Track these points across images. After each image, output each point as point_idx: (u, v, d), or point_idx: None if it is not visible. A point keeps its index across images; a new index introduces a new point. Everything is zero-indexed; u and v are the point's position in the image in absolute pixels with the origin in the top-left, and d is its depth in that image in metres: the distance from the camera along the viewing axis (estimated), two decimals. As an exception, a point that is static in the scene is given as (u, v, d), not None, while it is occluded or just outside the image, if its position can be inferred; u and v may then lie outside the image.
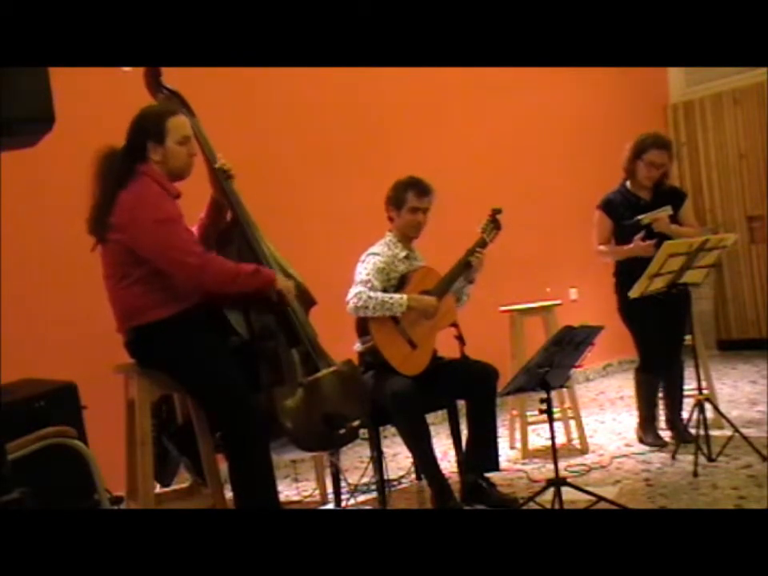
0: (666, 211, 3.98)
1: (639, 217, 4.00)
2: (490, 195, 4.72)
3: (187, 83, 3.26)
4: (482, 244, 3.81)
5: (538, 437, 4.54)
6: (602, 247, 4.20)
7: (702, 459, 3.65)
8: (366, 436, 3.58)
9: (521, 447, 4.34)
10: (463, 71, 5.32)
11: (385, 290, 3.58)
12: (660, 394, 4.33)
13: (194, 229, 3.20)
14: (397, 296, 3.50)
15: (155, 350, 2.96)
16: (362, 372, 3.56)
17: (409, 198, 3.68)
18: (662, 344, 4.16)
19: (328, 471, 3.82)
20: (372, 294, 3.47)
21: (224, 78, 4.28)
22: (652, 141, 4.10)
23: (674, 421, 4.22)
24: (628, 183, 4.22)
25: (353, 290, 3.51)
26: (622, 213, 4.11)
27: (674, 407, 4.25)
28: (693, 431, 3.84)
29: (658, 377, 4.23)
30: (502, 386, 3.32)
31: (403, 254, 3.73)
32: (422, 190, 3.68)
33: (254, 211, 3.22)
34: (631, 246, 4.02)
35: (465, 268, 3.73)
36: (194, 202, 3.24)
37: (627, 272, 4.11)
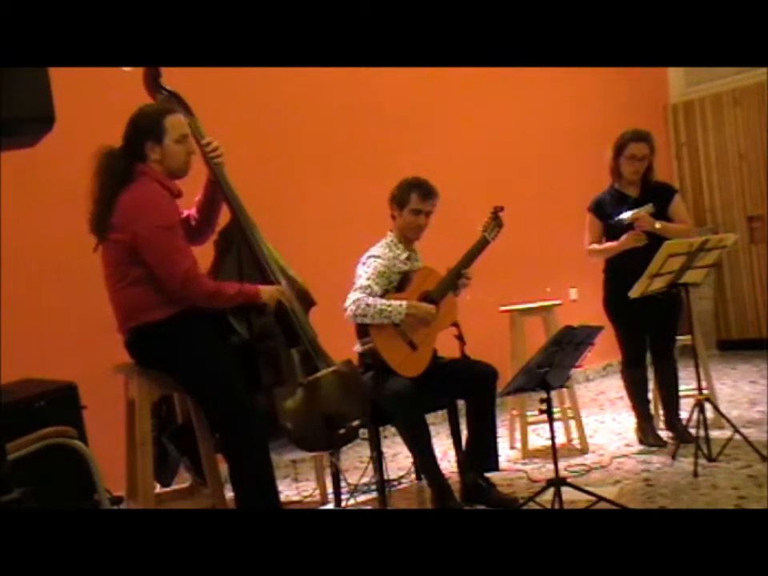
0: (647, 209, 3.99)
1: (620, 216, 4.02)
2: (490, 195, 4.72)
3: (187, 83, 3.26)
4: (484, 243, 3.80)
5: (538, 437, 4.54)
6: (592, 246, 4.24)
7: (701, 459, 3.66)
8: (366, 436, 3.58)
9: (521, 447, 4.34)
10: (463, 71, 5.32)
11: (386, 292, 3.57)
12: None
13: (192, 211, 3.21)
14: (395, 303, 3.48)
15: (155, 350, 2.96)
16: (362, 373, 3.56)
17: (412, 199, 3.65)
18: (642, 338, 4.22)
19: (328, 471, 3.82)
20: (370, 301, 3.46)
21: (224, 78, 4.28)
22: (630, 135, 4.15)
23: (673, 421, 4.23)
24: (616, 184, 4.25)
25: (351, 296, 3.50)
26: (611, 212, 4.14)
27: (671, 407, 4.26)
28: (693, 431, 3.84)
29: (641, 370, 4.26)
30: (502, 386, 3.32)
31: (404, 255, 3.72)
32: (425, 192, 3.66)
33: (254, 212, 3.22)
34: (620, 240, 4.07)
35: (456, 284, 3.72)
36: (192, 203, 3.25)
37: (616, 269, 4.20)
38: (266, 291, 3.07)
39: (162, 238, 2.86)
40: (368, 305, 3.44)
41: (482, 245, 3.80)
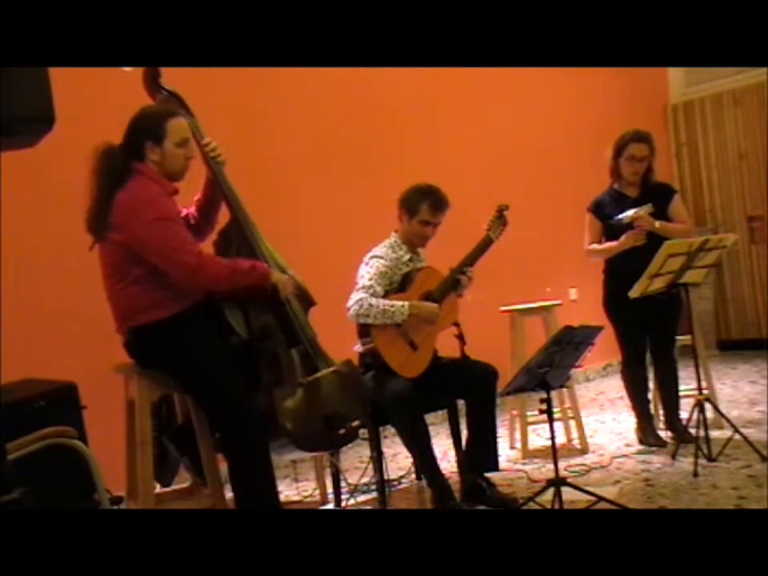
0: (645, 209, 3.99)
1: (619, 216, 4.02)
2: (490, 195, 4.72)
3: (187, 83, 3.26)
4: (488, 242, 3.79)
5: (538, 437, 4.54)
6: (591, 246, 4.24)
7: (701, 459, 3.66)
8: (366, 436, 3.58)
9: (521, 447, 4.34)
10: (463, 71, 5.32)
11: (387, 293, 3.57)
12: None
13: (191, 210, 3.21)
14: (398, 303, 3.48)
15: (154, 350, 2.96)
16: (362, 373, 3.56)
17: (422, 210, 3.62)
18: (642, 338, 4.23)
19: (328, 471, 3.82)
20: (373, 301, 3.45)
21: (224, 77, 4.28)
22: (630, 136, 4.15)
23: (672, 421, 4.23)
24: (616, 184, 4.26)
25: (354, 296, 3.49)
26: (610, 213, 4.14)
27: (671, 407, 4.26)
28: (693, 431, 3.84)
29: (641, 370, 4.27)
30: (502, 386, 3.32)
31: (407, 257, 3.71)
32: (437, 205, 3.63)
33: (254, 211, 3.22)
34: (619, 240, 4.07)
35: (455, 284, 3.71)
36: (190, 202, 3.25)
37: (616, 269, 4.21)
38: (277, 273, 3.08)
39: (163, 232, 2.86)
40: (371, 305, 3.44)
41: (486, 243, 3.78)
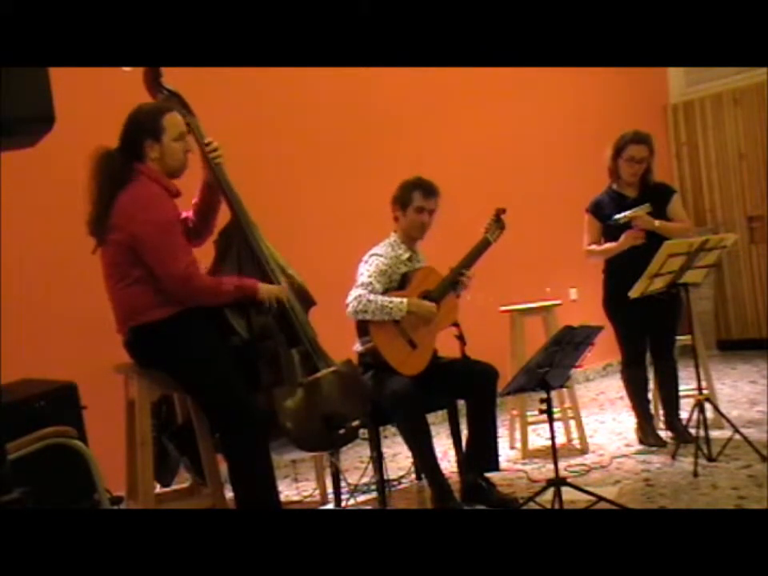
0: (643, 209, 4.00)
1: (616, 216, 4.02)
2: (490, 196, 4.73)
3: (187, 83, 3.25)
4: (486, 244, 3.80)
5: (538, 437, 4.54)
6: (591, 247, 4.24)
7: (701, 459, 3.66)
8: (366, 436, 3.58)
9: (521, 447, 4.34)
10: (463, 71, 5.32)
11: (386, 291, 3.57)
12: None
13: (190, 213, 3.21)
14: (397, 300, 3.48)
15: (155, 350, 2.96)
16: (362, 372, 3.56)
17: (415, 198, 3.66)
18: (642, 338, 4.22)
19: (328, 471, 3.82)
20: (372, 297, 3.46)
21: (224, 78, 4.28)
22: (630, 137, 4.14)
23: (672, 421, 4.23)
24: (615, 185, 4.25)
25: (353, 293, 3.50)
26: (610, 213, 4.13)
27: (671, 407, 4.25)
28: (693, 431, 3.84)
29: (641, 370, 4.27)
30: (502, 386, 3.32)
31: (406, 255, 3.72)
32: (428, 191, 3.67)
33: (254, 211, 3.22)
34: (619, 241, 4.07)
35: (453, 284, 3.72)
36: (189, 205, 3.25)
37: (615, 269, 4.20)
38: (265, 289, 3.07)
39: (159, 235, 2.86)
40: (369, 301, 3.45)
41: (483, 246, 3.80)
